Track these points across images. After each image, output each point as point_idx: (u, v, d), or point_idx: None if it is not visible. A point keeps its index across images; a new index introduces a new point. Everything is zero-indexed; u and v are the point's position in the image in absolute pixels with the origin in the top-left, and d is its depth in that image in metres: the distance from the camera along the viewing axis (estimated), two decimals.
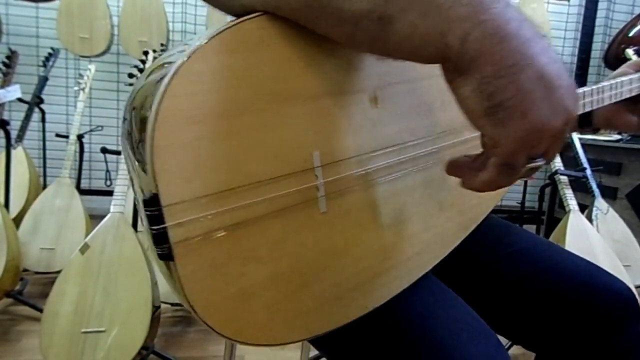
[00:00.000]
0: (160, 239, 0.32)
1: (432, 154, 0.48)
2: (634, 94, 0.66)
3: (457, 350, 0.42)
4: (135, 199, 0.36)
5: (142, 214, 0.34)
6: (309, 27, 0.36)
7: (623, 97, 0.66)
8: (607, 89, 0.66)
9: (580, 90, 0.65)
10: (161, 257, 0.32)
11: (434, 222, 0.49)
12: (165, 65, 0.33)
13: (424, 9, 0.31)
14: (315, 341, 0.50)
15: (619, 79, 0.66)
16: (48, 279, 1.62)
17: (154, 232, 0.32)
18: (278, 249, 0.37)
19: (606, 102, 0.65)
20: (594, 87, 0.65)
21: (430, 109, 0.47)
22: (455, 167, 0.39)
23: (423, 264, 0.49)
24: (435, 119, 0.47)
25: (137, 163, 0.33)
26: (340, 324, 0.42)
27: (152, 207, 0.31)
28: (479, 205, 0.45)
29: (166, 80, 0.31)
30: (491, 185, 0.35)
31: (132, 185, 0.36)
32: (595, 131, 0.75)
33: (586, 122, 0.71)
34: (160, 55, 0.86)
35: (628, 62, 0.70)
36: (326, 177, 0.39)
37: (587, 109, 0.64)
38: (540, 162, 0.35)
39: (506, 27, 0.30)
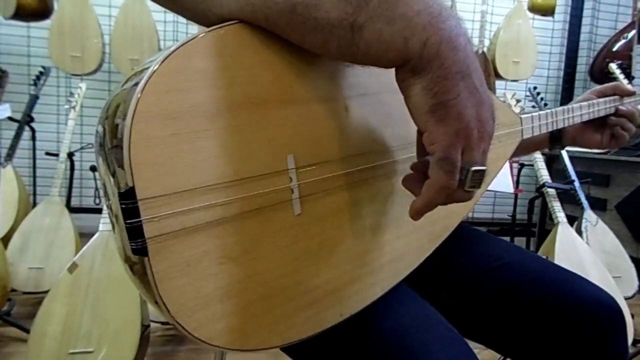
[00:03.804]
0: (135, 234, 0.31)
1: (404, 162, 0.48)
2: (601, 114, 0.80)
3: None
4: (109, 214, 0.36)
5: (115, 211, 0.33)
6: (284, 36, 0.38)
7: (589, 118, 0.78)
8: (577, 109, 0.78)
9: (555, 109, 0.76)
10: (135, 252, 0.32)
11: (405, 230, 0.50)
12: (143, 71, 0.33)
13: (390, 17, 0.34)
14: (288, 349, 0.50)
15: (586, 102, 0.79)
16: (37, 299, 1.60)
17: (128, 226, 0.31)
18: (253, 250, 0.37)
19: (574, 122, 0.77)
20: (566, 107, 0.77)
21: (398, 120, 0.48)
22: (406, 180, 0.42)
23: (397, 272, 0.49)
24: (404, 129, 0.48)
25: (113, 165, 0.32)
26: (315, 331, 0.42)
27: (127, 200, 0.31)
28: (450, 214, 0.45)
29: (146, 76, 0.32)
30: (439, 185, 0.38)
31: (107, 202, 0.36)
32: (562, 148, 0.89)
33: (557, 140, 0.84)
34: None
35: (591, 89, 0.84)
36: (300, 180, 0.40)
37: (557, 127, 0.75)
38: (481, 167, 0.38)
39: (457, 39, 0.35)
